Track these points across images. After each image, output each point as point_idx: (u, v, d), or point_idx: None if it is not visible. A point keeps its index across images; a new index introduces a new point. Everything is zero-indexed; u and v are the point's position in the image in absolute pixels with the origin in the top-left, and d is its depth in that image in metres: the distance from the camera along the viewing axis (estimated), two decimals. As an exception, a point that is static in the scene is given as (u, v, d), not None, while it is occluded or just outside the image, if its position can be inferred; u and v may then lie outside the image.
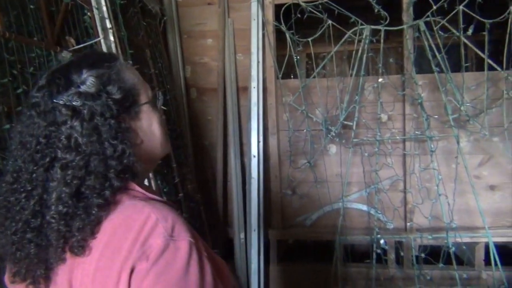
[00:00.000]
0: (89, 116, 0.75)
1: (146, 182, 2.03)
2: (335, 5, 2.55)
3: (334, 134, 2.66)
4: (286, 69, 2.76)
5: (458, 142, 2.52)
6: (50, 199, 0.73)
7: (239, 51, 2.95)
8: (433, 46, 2.49)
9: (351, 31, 2.61)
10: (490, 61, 2.45)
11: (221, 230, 2.97)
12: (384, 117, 2.70)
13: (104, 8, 2.00)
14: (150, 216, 0.72)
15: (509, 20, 2.38)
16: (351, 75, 2.65)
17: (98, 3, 1.98)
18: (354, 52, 2.63)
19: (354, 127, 2.63)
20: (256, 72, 2.79)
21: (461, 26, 2.42)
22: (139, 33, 2.48)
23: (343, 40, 2.64)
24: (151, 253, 0.69)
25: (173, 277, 0.68)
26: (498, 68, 2.46)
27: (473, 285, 2.55)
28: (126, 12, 2.29)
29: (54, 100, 0.76)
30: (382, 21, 2.57)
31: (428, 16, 2.50)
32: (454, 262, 2.46)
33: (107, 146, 0.76)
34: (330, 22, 2.58)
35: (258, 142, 2.78)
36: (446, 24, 2.46)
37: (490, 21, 2.38)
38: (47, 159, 0.74)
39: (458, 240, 2.53)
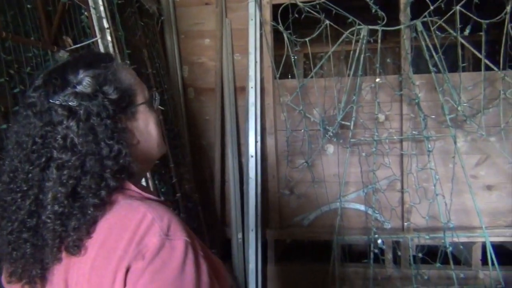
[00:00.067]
0: (85, 116, 0.76)
1: (144, 182, 2.03)
2: (332, 5, 2.55)
3: (331, 134, 2.67)
4: (283, 69, 2.76)
5: (455, 142, 2.53)
6: (46, 199, 0.73)
7: (236, 51, 2.95)
8: (430, 46, 2.50)
9: (348, 31, 2.61)
10: (487, 61, 2.46)
11: (219, 230, 2.97)
12: (381, 117, 2.70)
13: (102, 8, 2.00)
14: (146, 216, 0.72)
15: (506, 21, 2.39)
16: (348, 75, 2.65)
17: (95, 2, 1.98)
18: (351, 52, 2.64)
19: (351, 127, 2.63)
20: (253, 72, 2.79)
21: (458, 26, 2.43)
22: (137, 33, 2.47)
23: (340, 40, 2.64)
24: (146, 252, 0.69)
25: (169, 276, 0.68)
26: (495, 68, 2.47)
27: (470, 284, 2.56)
28: (123, 12, 2.29)
29: (51, 100, 0.76)
30: (379, 21, 2.57)
31: (425, 16, 2.51)
32: (451, 261, 2.46)
33: (103, 146, 0.76)
34: (327, 22, 2.59)
35: (256, 142, 2.78)
36: (443, 25, 2.47)
37: (487, 21, 2.38)
38: (43, 159, 0.74)
39: (455, 240, 2.54)
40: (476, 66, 3.01)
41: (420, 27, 2.52)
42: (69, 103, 0.76)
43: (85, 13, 1.95)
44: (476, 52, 2.47)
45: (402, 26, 2.60)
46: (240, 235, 2.80)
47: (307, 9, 2.59)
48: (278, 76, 2.77)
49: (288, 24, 2.63)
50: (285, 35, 2.67)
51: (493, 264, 2.44)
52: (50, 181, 0.73)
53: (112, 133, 0.77)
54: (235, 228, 2.82)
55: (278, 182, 2.86)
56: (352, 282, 2.71)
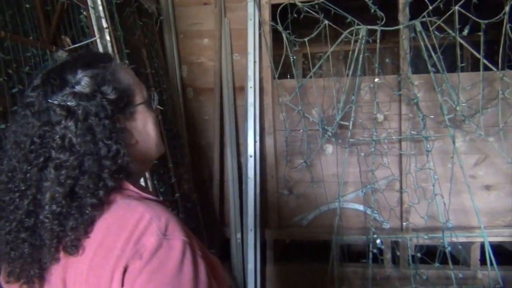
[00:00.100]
0: (84, 116, 0.75)
1: (142, 182, 2.03)
2: (331, 5, 2.55)
3: (330, 134, 2.67)
4: (282, 69, 2.76)
5: (453, 142, 2.53)
6: (44, 199, 0.73)
7: (235, 51, 2.95)
8: (429, 46, 2.50)
9: (347, 31, 2.61)
10: (485, 62, 2.46)
11: (218, 230, 2.97)
12: (380, 117, 2.70)
13: (100, 8, 1.99)
14: (143, 215, 0.72)
15: (505, 21, 2.39)
16: (347, 75, 2.66)
17: (94, 2, 1.98)
18: (350, 52, 2.64)
19: (350, 127, 2.64)
20: (252, 72, 2.79)
21: (457, 26, 2.43)
22: (135, 32, 2.47)
23: (339, 40, 2.65)
24: (144, 252, 0.69)
25: (166, 276, 0.68)
26: (494, 69, 2.47)
27: (468, 284, 2.56)
28: (122, 12, 2.29)
29: (49, 100, 0.76)
30: (378, 21, 2.57)
31: (424, 17, 2.51)
32: (450, 261, 2.47)
33: (101, 146, 0.76)
34: (326, 22, 2.59)
35: (255, 142, 2.78)
36: (442, 25, 2.47)
37: (486, 21, 2.39)
38: (41, 159, 0.74)
39: (454, 239, 2.54)
40: (474, 66, 3.02)
41: (419, 27, 2.52)
42: (68, 103, 0.76)
43: (84, 12, 1.95)
44: (475, 52, 2.48)
45: (401, 26, 2.60)
46: (239, 235, 2.80)
47: (306, 9, 2.58)
48: (277, 76, 2.77)
49: (287, 24, 2.63)
50: (284, 35, 2.67)
51: (491, 264, 2.44)
52: (48, 181, 0.73)
53: (111, 133, 0.77)
54: (234, 228, 2.82)
55: (277, 182, 2.86)
56: (351, 282, 2.71)
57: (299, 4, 2.59)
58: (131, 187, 0.80)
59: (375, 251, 2.59)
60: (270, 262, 2.82)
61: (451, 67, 2.60)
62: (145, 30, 2.66)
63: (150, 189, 2.12)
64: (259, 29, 2.79)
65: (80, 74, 0.79)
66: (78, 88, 0.77)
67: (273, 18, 2.74)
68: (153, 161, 0.96)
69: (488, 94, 2.57)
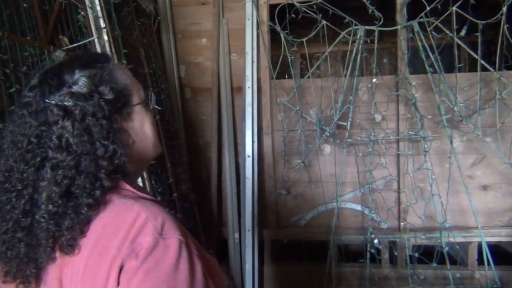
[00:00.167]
0: (81, 116, 0.76)
1: (140, 183, 2.03)
2: (329, 5, 2.56)
3: (328, 134, 2.67)
4: (280, 69, 2.76)
5: (451, 142, 2.54)
6: (40, 199, 0.73)
7: (233, 51, 2.95)
8: (426, 46, 2.50)
9: (345, 31, 2.61)
10: (483, 62, 2.47)
11: (216, 230, 2.97)
12: (378, 117, 2.70)
13: (98, 7, 1.99)
14: (139, 214, 0.72)
15: (502, 21, 2.40)
16: (345, 76, 2.66)
17: (92, 2, 1.98)
18: (348, 52, 2.64)
19: (348, 127, 2.64)
20: (250, 72, 2.79)
21: (455, 27, 2.44)
22: (133, 32, 2.47)
23: (337, 40, 2.65)
24: (140, 251, 0.69)
25: (162, 275, 0.68)
26: (491, 69, 2.48)
27: (466, 284, 2.57)
28: (120, 12, 2.29)
29: (46, 100, 0.76)
30: (376, 22, 2.58)
31: (421, 17, 2.51)
32: (447, 261, 2.47)
33: (98, 146, 0.76)
34: (324, 22, 2.59)
35: (253, 142, 2.78)
36: (440, 25, 2.48)
37: (483, 22, 2.39)
38: (38, 159, 0.74)
39: (451, 239, 2.55)
40: (472, 66, 3.02)
41: (416, 28, 2.53)
42: (65, 103, 0.76)
43: (82, 12, 1.95)
44: (472, 53, 2.48)
45: (398, 27, 2.61)
46: (236, 235, 2.81)
47: (304, 9, 2.59)
48: (275, 76, 2.77)
49: (285, 24, 2.63)
50: (282, 35, 2.67)
51: (489, 264, 2.44)
52: (45, 181, 0.73)
53: (108, 133, 0.77)
54: (231, 228, 2.82)
55: (275, 182, 2.86)
56: (349, 282, 2.71)
57: (297, 4, 2.59)
58: (128, 186, 0.81)
59: (372, 251, 2.59)
60: (268, 262, 2.82)
61: (449, 68, 2.60)
62: (143, 30, 2.66)
63: (148, 189, 2.12)
64: (257, 29, 2.79)
65: (77, 74, 0.79)
66: (75, 88, 0.78)
67: (271, 18, 2.75)
68: (150, 161, 0.97)
69: (485, 95, 2.57)
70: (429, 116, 2.63)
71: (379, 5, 2.57)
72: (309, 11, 2.59)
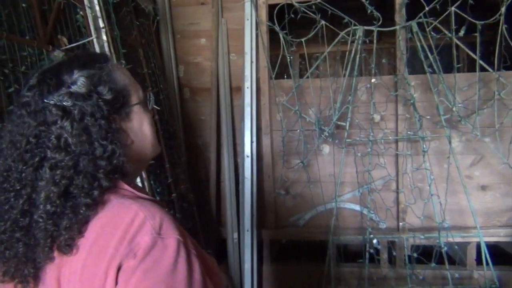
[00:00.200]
0: (80, 117, 0.76)
1: (139, 183, 2.03)
2: (328, 5, 2.56)
3: (327, 134, 2.67)
4: (279, 69, 2.76)
5: (450, 143, 2.54)
6: (39, 199, 0.73)
7: (232, 51, 2.95)
8: (425, 47, 2.51)
9: (344, 31, 2.62)
10: (481, 62, 2.47)
11: (214, 230, 2.97)
12: (377, 118, 2.71)
13: (97, 7, 1.99)
14: (137, 214, 0.72)
15: (501, 22, 2.40)
16: (344, 76, 2.66)
17: (91, 2, 1.97)
18: (347, 52, 2.64)
19: (347, 127, 2.64)
20: (249, 72, 2.79)
21: (453, 27, 2.44)
22: (132, 32, 2.47)
23: (336, 40, 2.65)
24: (138, 251, 0.69)
25: (160, 275, 0.68)
26: (490, 69, 2.48)
27: (465, 284, 2.57)
28: (119, 12, 2.29)
29: (45, 100, 0.76)
30: (375, 22, 2.58)
31: (420, 17, 2.52)
32: (446, 261, 2.48)
33: (97, 146, 0.76)
34: (323, 22, 2.59)
35: (252, 142, 2.78)
36: (438, 25, 2.48)
37: (482, 22, 2.40)
38: (37, 159, 0.74)
39: (450, 239, 2.55)
40: (471, 67, 3.03)
41: (415, 28, 2.53)
42: (64, 103, 0.76)
43: (81, 12, 1.95)
44: (471, 53, 2.49)
45: (397, 27, 2.61)
46: (235, 235, 2.80)
47: (303, 9, 2.59)
48: (274, 76, 2.78)
49: (284, 24, 2.64)
50: (281, 35, 2.67)
51: (487, 264, 2.45)
52: (43, 181, 0.73)
53: (106, 134, 0.77)
54: (230, 228, 2.82)
55: (273, 182, 2.86)
56: (348, 282, 2.71)
57: (296, 4, 2.59)
58: (126, 186, 0.81)
59: (371, 251, 2.60)
60: (266, 262, 2.82)
61: (448, 68, 2.61)
62: (142, 30, 2.66)
63: (147, 189, 2.12)
64: (256, 29, 2.79)
65: (76, 74, 0.79)
66: (74, 88, 0.78)
67: (270, 18, 2.75)
68: (148, 161, 0.97)
69: (484, 95, 2.57)
70: (428, 116, 2.64)
71: (378, 5, 2.57)
72: (308, 11, 2.59)
